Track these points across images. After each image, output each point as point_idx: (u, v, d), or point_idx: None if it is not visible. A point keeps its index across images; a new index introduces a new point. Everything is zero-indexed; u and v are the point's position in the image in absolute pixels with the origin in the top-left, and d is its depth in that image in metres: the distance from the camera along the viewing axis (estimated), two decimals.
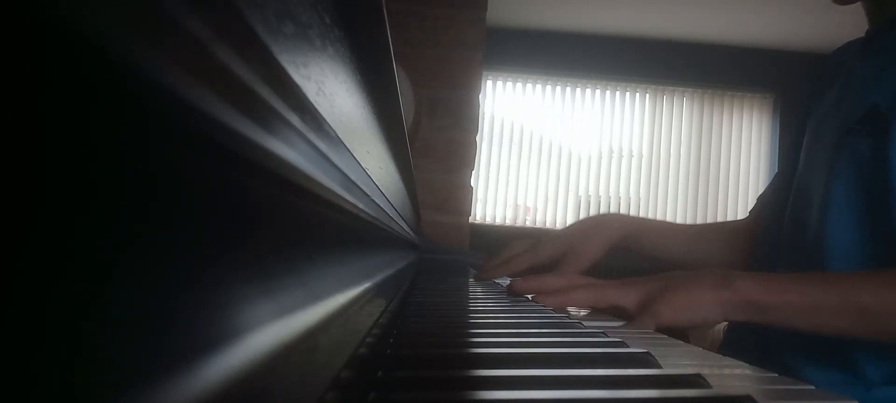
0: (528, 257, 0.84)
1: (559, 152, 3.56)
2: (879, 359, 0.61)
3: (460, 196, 1.89)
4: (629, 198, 3.56)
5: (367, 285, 0.29)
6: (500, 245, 0.90)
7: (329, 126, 0.20)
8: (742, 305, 0.56)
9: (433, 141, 1.88)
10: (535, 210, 3.53)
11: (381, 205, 0.46)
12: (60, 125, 0.07)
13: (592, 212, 3.54)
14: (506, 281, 0.92)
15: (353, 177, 0.28)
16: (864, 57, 0.72)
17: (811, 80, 0.85)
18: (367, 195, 0.36)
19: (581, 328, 0.43)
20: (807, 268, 0.69)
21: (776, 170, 0.89)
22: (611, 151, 3.58)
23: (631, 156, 3.59)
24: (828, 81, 0.79)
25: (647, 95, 3.58)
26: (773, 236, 0.80)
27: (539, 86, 3.56)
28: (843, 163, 0.66)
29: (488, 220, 3.49)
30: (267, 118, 0.14)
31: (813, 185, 0.72)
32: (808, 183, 0.73)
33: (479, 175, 3.49)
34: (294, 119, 0.16)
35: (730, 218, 3.50)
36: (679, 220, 3.50)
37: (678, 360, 0.34)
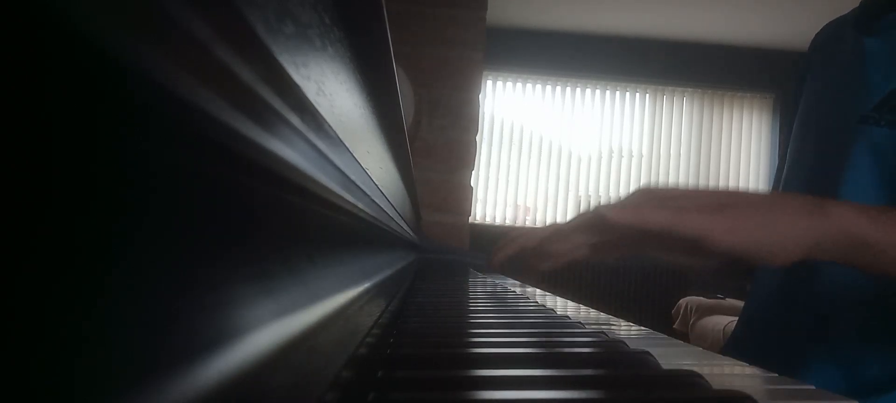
0: (535, 234, 0.81)
1: (559, 152, 3.57)
2: (884, 362, 0.57)
3: (460, 196, 1.90)
4: None
5: (367, 285, 0.29)
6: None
7: (329, 126, 0.20)
8: (836, 236, 0.45)
9: (433, 141, 1.88)
10: (535, 210, 3.54)
11: (381, 205, 0.46)
12: (61, 124, 0.07)
13: None
14: (508, 282, 0.91)
15: (353, 177, 0.28)
16: (870, 32, 0.64)
17: (802, 62, 0.78)
18: (367, 195, 0.36)
19: (581, 328, 0.43)
20: (806, 273, 0.64)
21: (776, 170, 0.84)
22: (611, 151, 3.58)
23: (631, 156, 3.59)
24: (823, 59, 0.72)
25: (647, 95, 3.59)
26: None
27: (539, 86, 3.57)
28: (857, 155, 0.60)
29: (488, 220, 3.49)
30: (267, 118, 0.14)
31: (818, 178, 0.65)
32: (811, 174, 0.67)
33: (479, 175, 3.49)
34: (294, 119, 0.16)
35: None
36: None
37: (678, 360, 0.34)
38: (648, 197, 0.51)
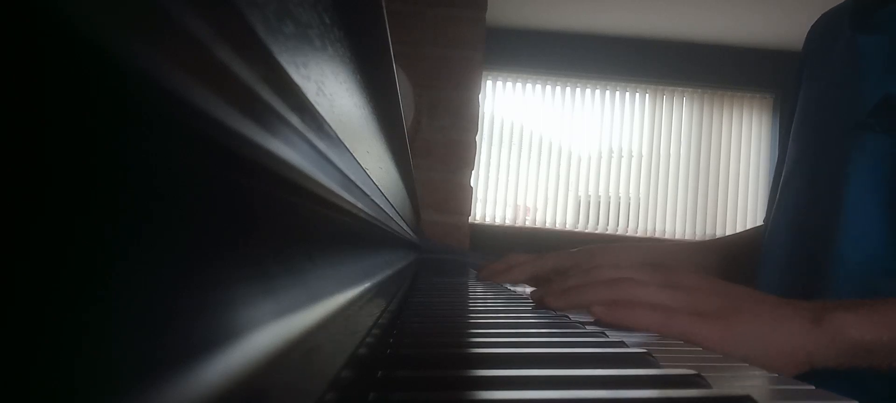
0: (530, 266, 0.82)
1: (559, 152, 3.57)
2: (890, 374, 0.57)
3: (460, 196, 1.90)
4: (629, 198, 3.56)
5: (366, 285, 0.29)
6: (500, 245, 0.89)
7: (329, 126, 0.20)
8: (836, 348, 0.43)
9: (433, 141, 1.88)
10: (535, 210, 3.54)
11: (381, 205, 0.46)
12: (60, 125, 0.07)
13: (592, 212, 3.54)
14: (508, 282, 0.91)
15: (352, 177, 0.28)
16: (863, 28, 0.62)
17: (799, 60, 0.77)
18: (367, 195, 0.36)
19: (581, 328, 0.43)
20: (807, 281, 0.61)
21: (775, 172, 0.83)
22: (611, 151, 3.58)
23: (631, 156, 3.59)
24: (819, 55, 0.70)
25: (647, 95, 3.59)
26: (762, 242, 0.72)
27: (539, 86, 3.57)
28: (857, 163, 0.58)
29: (488, 220, 3.49)
30: (267, 118, 0.14)
31: (818, 187, 0.63)
32: (811, 183, 0.65)
33: (479, 175, 3.49)
34: (294, 119, 0.16)
35: (729, 218, 3.50)
36: (679, 221, 3.50)
37: (678, 360, 0.34)
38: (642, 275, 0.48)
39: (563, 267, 0.76)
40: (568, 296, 0.50)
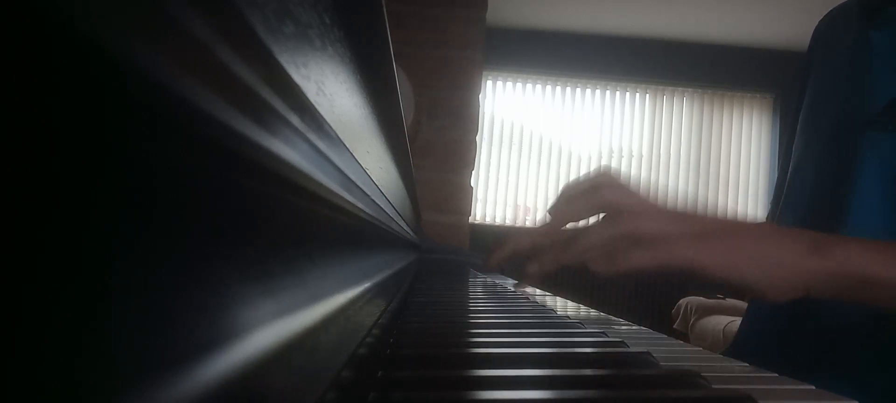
0: (527, 236, 0.81)
1: (559, 152, 3.57)
2: (890, 376, 0.55)
3: (460, 196, 1.90)
4: None
5: (366, 285, 0.29)
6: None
7: (329, 126, 0.20)
8: (837, 277, 0.43)
9: (433, 141, 1.88)
10: (535, 210, 3.54)
11: (381, 205, 0.46)
12: (61, 125, 0.07)
13: None
14: (508, 282, 0.91)
15: (353, 177, 0.28)
16: (873, 24, 0.62)
17: (804, 58, 0.76)
18: (367, 195, 0.36)
19: (581, 328, 0.43)
20: None
21: (776, 171, 0.83)
22: (611, 151, 3.58)
23: (631, 156, 3.59)
24: (826, 51, 0.70)
25: (647, 95, 3.59)
26: None
27: (539, 86, 3.57)
28: (866, 162, 0.58)
29: (488, 220, 3.49)
30: (267, 118, 0.14)
31: (825, 184, 0.63)
32: (818, 180, 0.65)
33: (479, 175, 3.49)
34: (294, 119, 0.16)
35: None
36: None
37: (678, 360, 0.34)
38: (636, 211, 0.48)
39: (560, 237, 0.75)
40: (568, 250, 0.50)
